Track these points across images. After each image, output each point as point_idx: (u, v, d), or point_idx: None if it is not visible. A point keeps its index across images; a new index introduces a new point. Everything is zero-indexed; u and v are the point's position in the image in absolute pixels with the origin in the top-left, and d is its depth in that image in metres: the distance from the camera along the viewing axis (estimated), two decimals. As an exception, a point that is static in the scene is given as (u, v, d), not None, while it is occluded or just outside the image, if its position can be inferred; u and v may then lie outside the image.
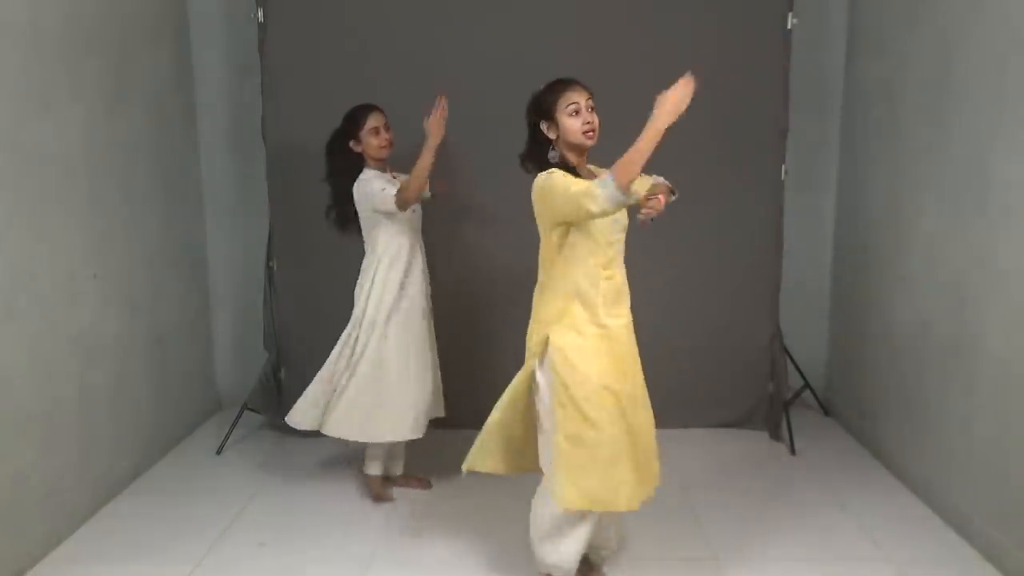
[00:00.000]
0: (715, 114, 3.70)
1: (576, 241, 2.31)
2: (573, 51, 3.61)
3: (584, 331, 2.33)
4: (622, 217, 2.38)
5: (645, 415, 2.43)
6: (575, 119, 2.30)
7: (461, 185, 3.62)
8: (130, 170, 3.43)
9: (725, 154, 3.74)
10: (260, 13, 3.63)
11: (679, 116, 2.15)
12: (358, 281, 3.17)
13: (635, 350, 2.47)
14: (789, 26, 3.59)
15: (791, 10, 3.58)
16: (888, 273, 3.54)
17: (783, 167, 3.70)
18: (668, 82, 3.91)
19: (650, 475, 2.42)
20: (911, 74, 3.33)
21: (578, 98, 2.31)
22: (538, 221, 2.38)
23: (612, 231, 2.35)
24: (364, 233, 3.16)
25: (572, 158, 2.36)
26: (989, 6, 2.75)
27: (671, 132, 3.89)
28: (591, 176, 2.36)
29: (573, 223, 2.28)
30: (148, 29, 3.63)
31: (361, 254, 3.34)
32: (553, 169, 2.30)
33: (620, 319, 2.41)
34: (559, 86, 2.35)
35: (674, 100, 2.15)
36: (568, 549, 2.40)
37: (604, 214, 2.17)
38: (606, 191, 2.11)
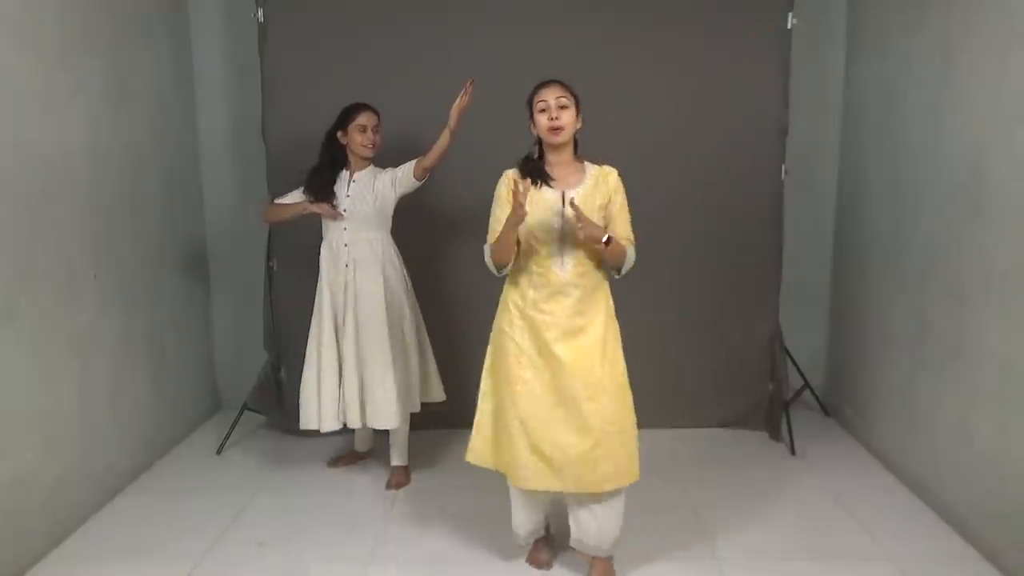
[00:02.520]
0: (715, 114, 3.71)
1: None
2: (573, 52, 3.61)
3: (508, 315, 2.54)
4: (571, 221, 2.41)
5: (567, 416, 2.43)
6: (542, 116, 2.44)
7: (460, 185, 3.63)
8: (130, 169, 3.43)
9: (725, 154, 3.75)
10: (260, 13, 3.63)
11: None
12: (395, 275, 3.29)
13: (576, 351, 2.45)
14: (789, 26, 3.59)
15: (791, 10, 3.58)
16: (888, 273, 3.54)
17: (783, 167, 3.70)
18: (668, 82, 3.93)
19: (562, 477, 2.44)
20: (911, 74, 3.33)
21: (547, 96, 2.44)
22: None
23: (547, 232, 2.46)
24: (383, 223, 3.26)
25: (550, 156, 2.50)
26: (990, 5, 2.75)
27: (672, 133, 3.90)
28: (573, 171, 2.50)
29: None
30: (148, 29, 3.63)
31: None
32: (507, 172, 2.54)
33: (551, 316, 2.47)
34: (537, 86, 2.50)
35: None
36: (516, 519, 2.66)
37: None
38: (487, 255, 2.52)
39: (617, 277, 2.54)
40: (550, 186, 2.47)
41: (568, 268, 2.45)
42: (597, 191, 2.47)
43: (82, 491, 3.04)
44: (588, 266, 2.47)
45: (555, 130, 2.42)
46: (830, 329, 4.30)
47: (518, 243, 2.47)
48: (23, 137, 2.70)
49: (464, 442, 3.75)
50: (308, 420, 3.26)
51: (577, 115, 2.47)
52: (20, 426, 2.68)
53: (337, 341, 3.24)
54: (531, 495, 2.56)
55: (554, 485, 2.45)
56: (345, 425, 3.28)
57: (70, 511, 2.96)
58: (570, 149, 2.50)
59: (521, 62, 3.57)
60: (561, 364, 2.43)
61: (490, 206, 2.59)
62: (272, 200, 3.39)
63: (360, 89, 3.63)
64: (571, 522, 2.59)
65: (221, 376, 4.38)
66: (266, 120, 3.72)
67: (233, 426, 3.81)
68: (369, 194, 3.21)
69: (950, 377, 2.99)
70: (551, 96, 2.43)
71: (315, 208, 3.18)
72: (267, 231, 3.84)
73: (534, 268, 2.48)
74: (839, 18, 4.06)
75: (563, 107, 2.42)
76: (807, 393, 4.15)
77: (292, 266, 3.83)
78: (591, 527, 2.54)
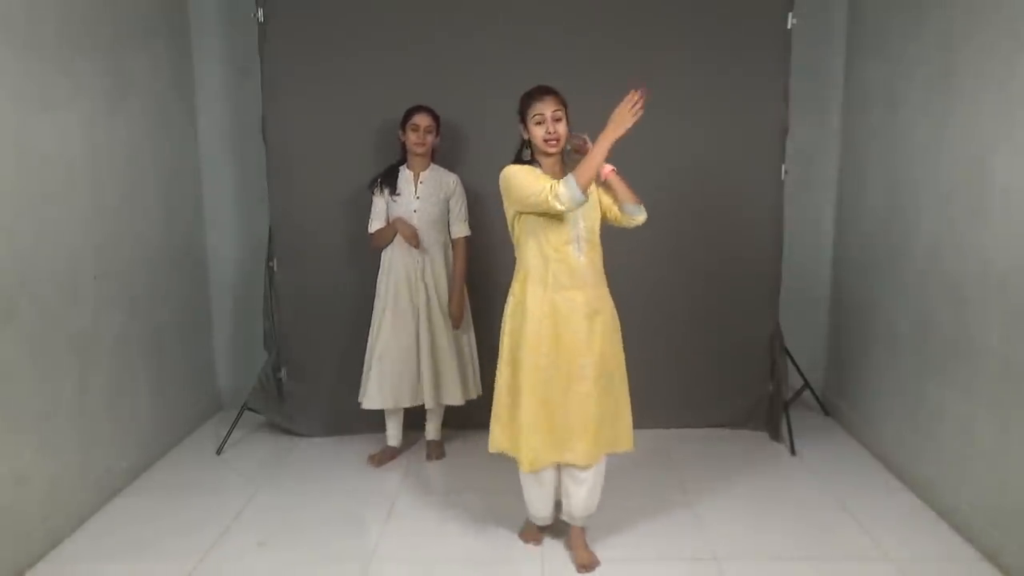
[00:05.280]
0: (715, 114, 3.72)
1: (527, 227, 2.62)
2: (574, 52, 3.62)
3: (528, 304, 2.61)
4: (584, 208, 2.59)
5: (578, 394, 2.61)
6: (539, 128, 2.59)
7: (464, 182, 3.63)
8: (130, 170, 3.43)
9: (725, 154, 3.75)
10: (260, 13, 3.63)
11: (628, 128, 2.46)
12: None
13: (592, 333, 2.63)
14: (789, 26, 3.59)
15: (791, 10, 3.58)
16: (888, 273, 3.54)
17: (783, 167, 3.70)
18: (668, 82, 3.94)
19: (567, 449, 2.64)
20: (913, 74, 3.33)
21: (544, 109, 2.58)
22: (504, 208, 2.68)
23: (566, 219, 2.59)
24: (446, 224, 3.52)
25: (541, 159, 2.65)
26: (994, 6, 2.74)
27: (672, 133, 3.92)
28: (560, 170, 2.64)
29: (541, 214, 2.57)
30: (148, 29, 3.63)
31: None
32: (506, 167, 2.62)
33: (572, 300, 2.61)
34: (530, 97, 2.61)
35: (620, 115, 2.44)
36: (533, 505, 2.82)
37: (569, 210, 2.50)
38: (568, 191, 2.44)
39: (637, 220, 2.68)
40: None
41: (584, 251, 2.62)
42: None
43: (81, 491, 3.04)
44: (597, 252, 2.66)
45: (551, 142, 2.59)
46: (830, 329, 4.30)
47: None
48: (23, 138, 2.70)
49: (465, 443, 3.78)
50: (378, 400, 3.49)
51: (568, 122, 2.64)
52: (20, 426, 2.68)
53: (398, 326, 3.44)
54: (545, 476, 2.73)
55: (565, 457, 2.65)
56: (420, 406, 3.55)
57: (69, 511, 2.96)
58: (560, 152, 2.67)
59: (522, 62, 3.58)
60: (578, 344, 2.61)
61: (493, 202, 2.76)
62: (370, 228, 3.49)
63: (360, 89, 3.64)
64: (563, 497, 2.78)
65: (221, 376, 4.38)
66: (266, 121, 3.72)
67: (233, 426, 3.81)
68: (436, 196, 3.45)
69: (951, 377, 2.99)
70: (548, 110, 2.57)
71: (400, 230, 3.40)
72: (267, 231, 3.84)
73: (552, 254, 2.60)
74: (839, 18, 4.07)
75: (558, 120, 2.59)
76: (807, 393, 4.15)
77: (292, 266, 3.83)
78: (581, 496, 2.72)
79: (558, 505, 2.84)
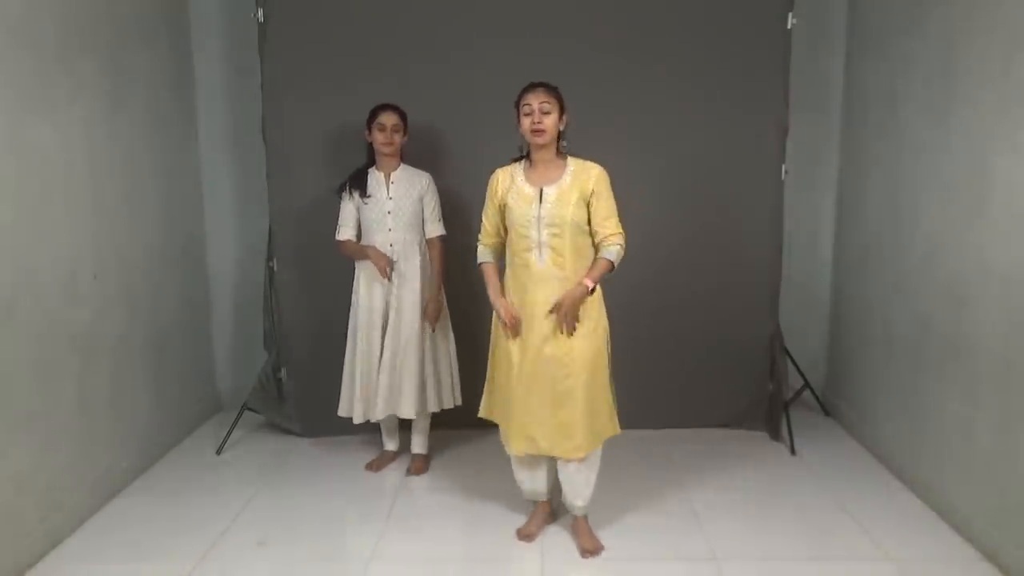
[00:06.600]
0: (715, 114, 3.72)
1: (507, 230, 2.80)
2: (574, 51, 3.62)
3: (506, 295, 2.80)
4: (547, 216, 2.66)
5: (536, 393, 2.68)
6: (526, 119, 2.66)
7: (462, 182, 3.63)
8: (130, 170, 3.43)
9: (725, 154, 3.75)
10: (260, 13, 3.63)
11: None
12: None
13: (554, 332, 2.67)
14: (789, 26, 3.59)
15: (791, 10, 3.58)
16: (888, 273, 3.54)
17: (783, 167, 3.70)
18: (668, 82, 3.93)
19: (529, 440, 2.73)
20: (913, 74, 3.33)
21: (531, 100, 2.65)
22: None
23: (525, 226, 2.68)
24: (420, 225, 3.42)
25: (533, 153, 2.72)
26: (994, 6, 2.74)
27: (673, 133, 3.91)
28: (553, 168, 2.71)
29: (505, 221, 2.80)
30: (148, 29, 3.63)
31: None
32: (497, 170, 2.79)
33: (533, 299, 2.69)
34: (523, 90, 2.69)
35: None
36: (517, 476, 2.94)
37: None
38: (479, 253, 2.84)
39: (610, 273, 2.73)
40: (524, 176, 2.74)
41: (545, 259, 2.67)
42: (574, 187, 2.67)
43: (81, 491, 3.04)
44: (566, 258, 2.66)
45: (537, 132, 2.64)
46: (830, 329, 4.30)
47: (505, 231, 2.79)
48: (23, 137, 2.70)
49: (465, 443, 3.78)
50: (346, 410, 3.45)
51: (561, 116, 2.68)
52: (19, 426, 2.68)
53: (373, 337, 3.36)
54: (527, 458, 2.83)
55: (534, 450, 2.74)
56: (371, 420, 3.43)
57: (69, 511, 2.96)
58: (553, 147, 2.72)
59: (520, 63, 3.57)
60: (539, 346, 2.68)
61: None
62: (339, 232, 3.43)
63: (360, 89, 3.64)
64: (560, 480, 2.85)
65: (221, 376, 4.38)
66: (266, 121, 3.72)
67: (233, 426, 3.81)
68: (410, 195, 3.36)
69: (950, 377, 2.99)
70: (535, 101, 2.63)
71: (374, 260, 3.29)
72: (267, 231, 3.84)
73: (516, 260, 2.73)
74: (839, 18, 4.07)
75: (546, 112, 2.63)
76: (807, 393, 4.15)
77: (292, 266, 3.83)
78: (568, 484, 2.79)
79: (558, 490, 2.89)
